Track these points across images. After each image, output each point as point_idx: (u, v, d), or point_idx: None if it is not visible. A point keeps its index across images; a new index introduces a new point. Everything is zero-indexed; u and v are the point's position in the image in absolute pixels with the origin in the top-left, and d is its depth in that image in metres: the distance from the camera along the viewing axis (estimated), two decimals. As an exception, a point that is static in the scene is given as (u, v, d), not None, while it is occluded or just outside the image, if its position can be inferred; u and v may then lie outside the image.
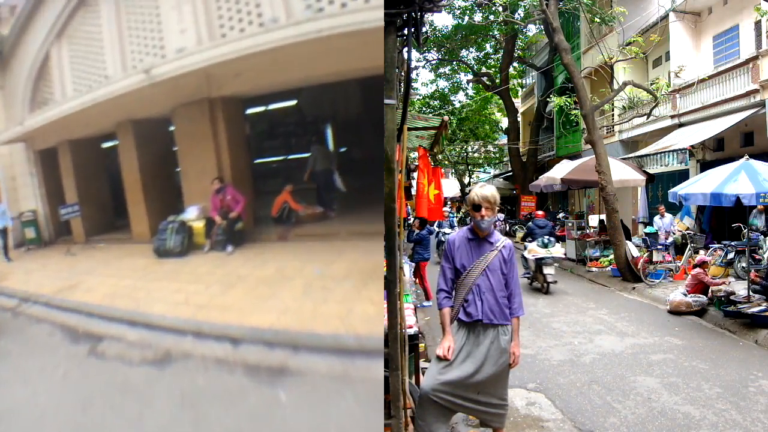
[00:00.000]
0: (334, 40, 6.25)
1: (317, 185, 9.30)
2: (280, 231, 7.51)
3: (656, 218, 12.68)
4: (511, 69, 24.71)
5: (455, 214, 32.55)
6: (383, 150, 2.88)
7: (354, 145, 10.52)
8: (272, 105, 10.12)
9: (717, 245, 10.56)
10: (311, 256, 6.40)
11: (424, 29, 2.99)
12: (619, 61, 13.32)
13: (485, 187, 3.42)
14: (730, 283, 8.40)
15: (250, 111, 9.91)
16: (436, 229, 14.50)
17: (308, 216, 8.36)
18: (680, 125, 14.28)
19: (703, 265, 8.47)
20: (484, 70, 25.30)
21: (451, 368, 3.28)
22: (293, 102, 10.22)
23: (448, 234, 12.54)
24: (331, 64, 7.04)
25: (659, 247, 11.32)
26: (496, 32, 21.73)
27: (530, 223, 12.32)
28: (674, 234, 12.15)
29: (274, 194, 8.58)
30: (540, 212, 13.11)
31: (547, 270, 10.02)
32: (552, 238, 10.58)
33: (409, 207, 14.58)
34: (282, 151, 10.55)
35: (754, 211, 10.53)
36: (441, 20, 75.72)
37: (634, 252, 11.10)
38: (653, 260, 10.82)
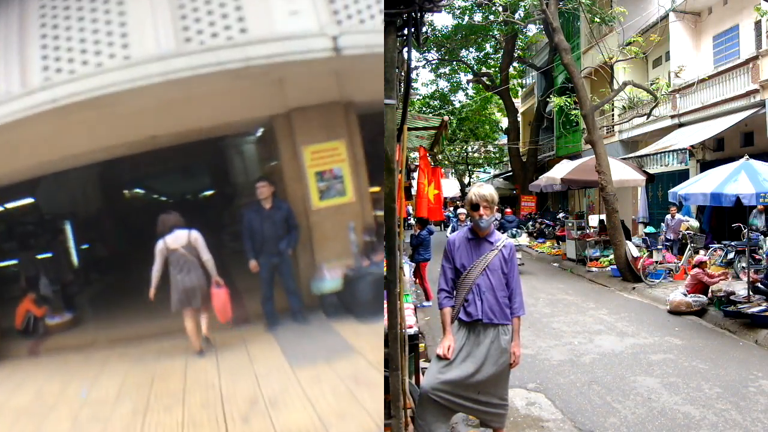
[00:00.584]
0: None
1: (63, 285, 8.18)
2: (29, 345, 6.44)
3: (667, 217, 12.67)
4: (511, 69, 24.72)
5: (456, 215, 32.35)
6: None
7: (98, 241, 10.00)
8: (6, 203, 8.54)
9: (717, 245, 10.56)
10: (71, 373, 5.29)
11: (424, 29, 2.99)
12: (619, 61, 13.32)
13: (483, 187, 3.44)
14: (729, 278, 8.39)
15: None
16: (435, 229, 14.55)
17: (57, 325, 7.20)
18: (680, 125, 14.28)
19: (701, 265, 8.48)
20: (484, 70, 25.31)
21: (451, 368, 3.28)
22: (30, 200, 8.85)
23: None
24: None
25: (661, 246, 11.34)
26: (496, 32, 21.74)
27: (501, 219, 14.94)
28: (680, 233, 12.15)
29: (16, 301, 7.21)
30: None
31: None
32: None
33: (410, 207, 14.59)
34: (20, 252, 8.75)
35: (754, 211, 10.53)
36: (441, 20, 75.78)
37: (634, 252, 11.10)
38: (653, 260, 10.84)
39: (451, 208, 25.34)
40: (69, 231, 9.42)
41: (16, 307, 6.88)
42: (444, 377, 3.26)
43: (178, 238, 5.40)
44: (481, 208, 3.33)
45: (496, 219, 3.40)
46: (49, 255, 8.56)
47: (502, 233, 3.79)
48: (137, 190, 12.53)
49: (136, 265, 7.45)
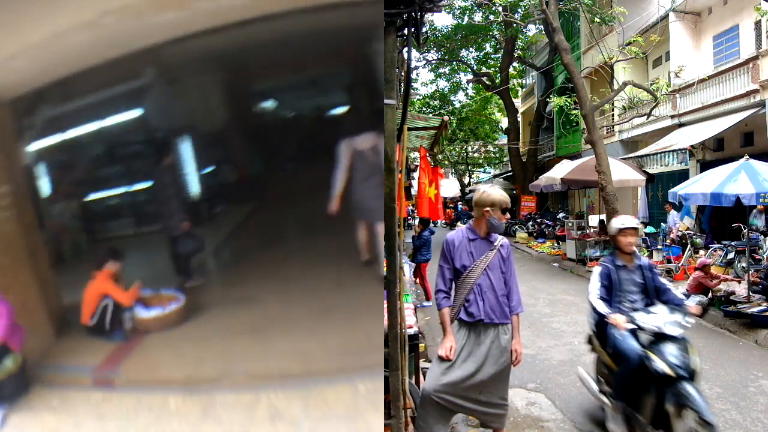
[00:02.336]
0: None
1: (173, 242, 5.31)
2: (101, 365, 3.79)
3: (669, 216, 12.68)
4: (511, 69, 24.73)
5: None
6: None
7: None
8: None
9: (717, 245, 10.56)
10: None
11: (424, 29, 2.99)
12: (619, 61, 13.33)
13: (494, 188, 3.50)
14: (731, 277, 8.37)
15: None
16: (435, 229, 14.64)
17: (156, 320, 4.27)
18: (680, 125, 14.28)
19: (705, 268, 8.45)
20: (484, 70, 25.32)
21: (452, 369, 3.28)
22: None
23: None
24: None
25: (661, 246, 11.35)
26: (496, 32, 21.75)
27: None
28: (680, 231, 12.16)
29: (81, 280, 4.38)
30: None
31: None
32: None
33: (411, 207, 14.62)
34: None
35: (754, 211, 10.53)
36: (441, 20, 75.72)
37: (634, 252, 11.08)
38: (653, 260, 10.83)
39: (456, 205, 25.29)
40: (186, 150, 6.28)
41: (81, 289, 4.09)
42: (446, 379, 3.26)
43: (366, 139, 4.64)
44: (488, 209, 3.39)
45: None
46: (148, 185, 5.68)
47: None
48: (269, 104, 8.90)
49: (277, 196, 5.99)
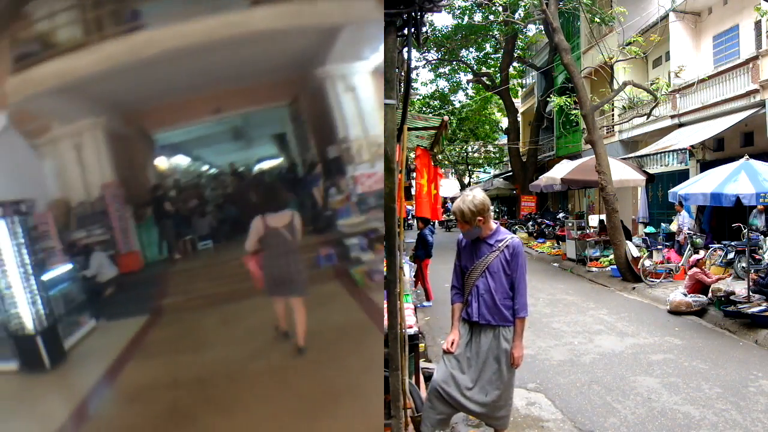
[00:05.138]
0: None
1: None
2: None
3: (679, 216, 12.63)
4: (511, 69, 24.72)
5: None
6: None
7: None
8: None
9: (717, 245, 10.56)
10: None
11: (424, 29, 2.98)
12: (619, 61, 13.32)
13: (457, 202, 3.40)
14: (730, 275, 8.37)
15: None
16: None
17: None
18: (680, 125, 14.28)
19: (698, 263, 8.48)
20: (484, 70, 25.32)
21: (460, 364, 3.36)
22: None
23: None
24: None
25: (661, 246, 11.34)
26: (496, 32, 21.74)
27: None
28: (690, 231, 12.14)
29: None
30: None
31: None
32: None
33: (410, 207, 14.62)
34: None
35: (754, 211, 10.53)
36: (441, 20, 75.77)
37: (634, 252, 11.10)
38: (653, 260, 10.84)
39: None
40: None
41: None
42: (453, 372, 3.35)
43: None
44: (457, 222, 3.41)
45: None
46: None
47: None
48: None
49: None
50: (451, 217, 34.65)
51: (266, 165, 8.94)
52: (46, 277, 6.23)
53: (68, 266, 6.88)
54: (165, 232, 8.89)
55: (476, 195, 3.34)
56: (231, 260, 6.67)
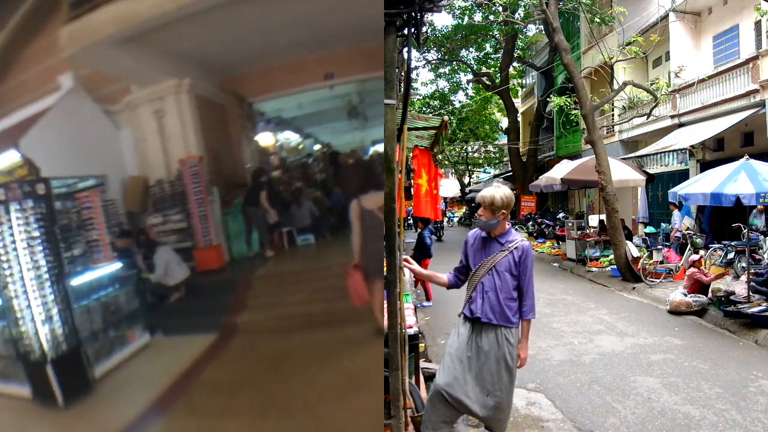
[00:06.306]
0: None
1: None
2: None
3: (672, 215, 12.69)
4: (511, 69, 24.72)
5: (455, 214, 32.51)
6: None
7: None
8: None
9: (717, 245, 10.56)
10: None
11: (424, 29, 2.98)
12: (619, 61, 13.31)
13: (490, 189, 3.41)
14: (729, 274, 8.36)
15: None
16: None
17: None
18: (680, 125, 14.28)
19: (696, 263, 8.48)
20: (484, 70, 25.32)
21: (461, 363, 3.34)
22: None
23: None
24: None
25: (661, 246, 11.34)
26: (496, 32, 21.74)
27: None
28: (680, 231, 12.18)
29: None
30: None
31: None
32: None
33: (409, 207, 14.64)
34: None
35: (754, 211, 10.53)
36: (441, 20, 75.74)
37: (634, 252, 11.11)
38: (653, 260, 10.84)
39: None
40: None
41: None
42: (457, 374, 3.32)
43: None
44: (481, 208, 3.35)
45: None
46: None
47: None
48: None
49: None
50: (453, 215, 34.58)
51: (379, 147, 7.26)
52: (79, 280, 4.78)
53: (116, 265, 5.42)
54: (257, 222, 7.20)
55: (506, 190, 3.40)
56: (334, 264, 5.24)
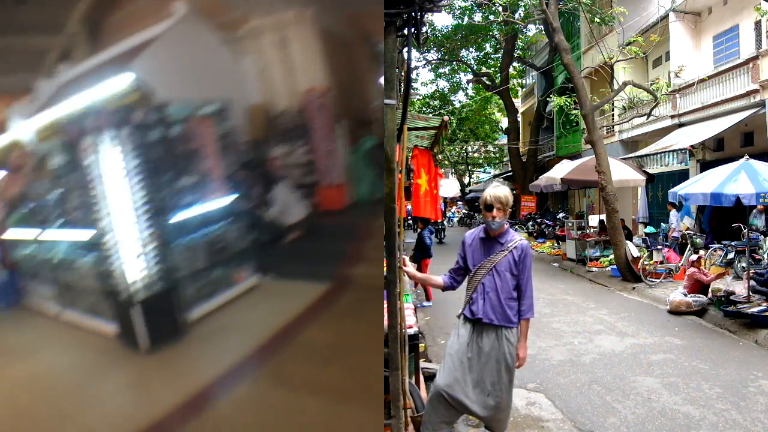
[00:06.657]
0: None
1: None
2: None
3: (670, 215, 12.71)
4: (511, 69, 24.72)
5: (455, 214, 32.50)
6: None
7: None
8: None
9: (717, 245, 10.57)
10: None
11: (424, 29, 2.99)
12: (619, 61, 13.31)
13: (499, 188, 3.40)
14: (730, 272, 8.36)
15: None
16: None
17: None
18: (680, 125, 14.28)
19: (695, 263, 8.48)
20: (484, 70, 25.32)
21: (461, 365, 3.33)
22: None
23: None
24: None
25: (661, 246, 11.34)
26: (496, 32, 21.75)
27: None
28: (679, 231, 12.19)
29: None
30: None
31: None
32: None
33: (409, 207, 14.65)
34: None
35: (754, 211, 10.53)
36: (441, 20, 75.73)
37: (634, 252, 11.11)
38: (653, 260, 10.85)
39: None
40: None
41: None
42: (457, 375, 3.31)
43: None
44: (495, 210, 3.32)
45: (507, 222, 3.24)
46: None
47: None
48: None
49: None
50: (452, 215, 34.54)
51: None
52: (186, 214, 4.25)
53: (229, 198, 4.74)
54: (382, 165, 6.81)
55: (507, 189, 3.43)
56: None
